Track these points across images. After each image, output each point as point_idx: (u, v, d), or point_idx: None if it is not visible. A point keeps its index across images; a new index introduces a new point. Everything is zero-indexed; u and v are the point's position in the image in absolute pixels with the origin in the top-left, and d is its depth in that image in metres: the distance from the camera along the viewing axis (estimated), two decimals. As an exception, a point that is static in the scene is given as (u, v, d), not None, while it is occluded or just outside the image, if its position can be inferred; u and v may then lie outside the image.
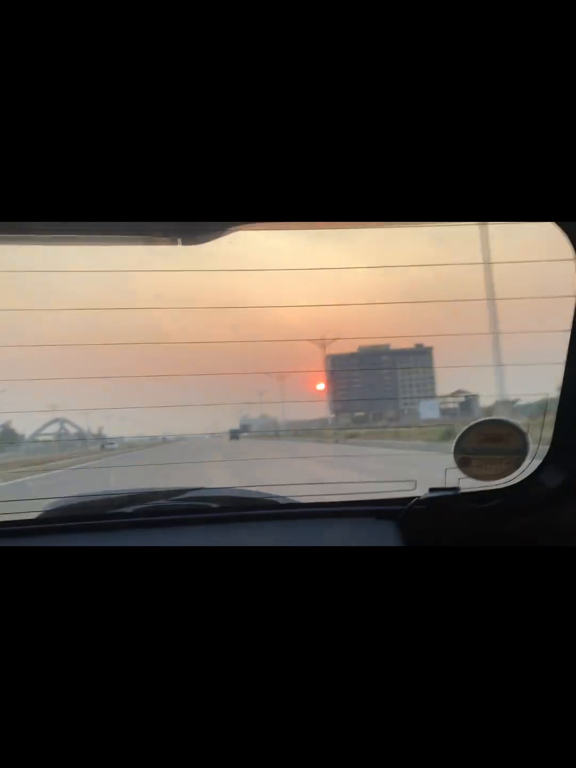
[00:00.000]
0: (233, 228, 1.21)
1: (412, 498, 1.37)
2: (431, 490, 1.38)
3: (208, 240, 1.25)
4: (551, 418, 1.33)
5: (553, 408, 1.32)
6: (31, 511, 1.42)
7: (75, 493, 1.56)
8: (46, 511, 1.43)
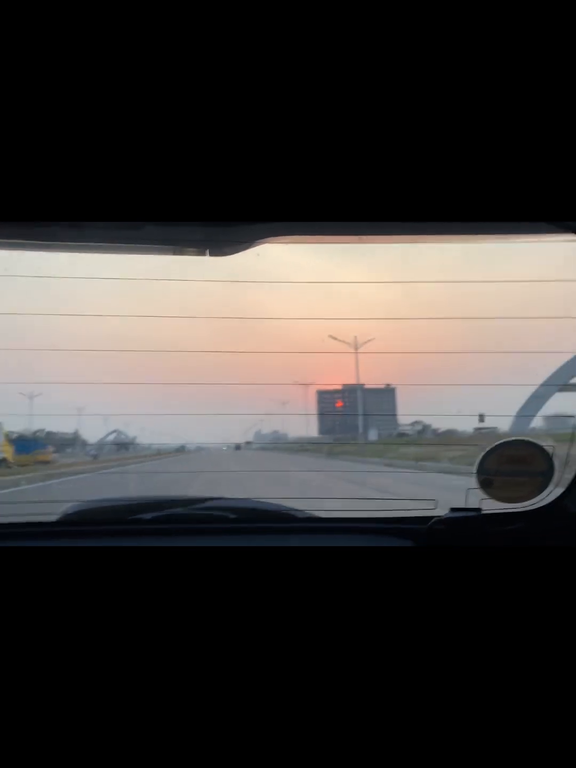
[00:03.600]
0: (260, 241, 1.23)
1: (432, 517, 1.34)
2: (452, 510, 1.35)
3: (235, 252, 1.27)
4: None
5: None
6: (50, 513, 1.44)
7: (94, 497, 1.58)
8: (66, 515, 1.44)
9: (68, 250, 1.28)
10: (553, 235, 1.14)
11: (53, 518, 1.42)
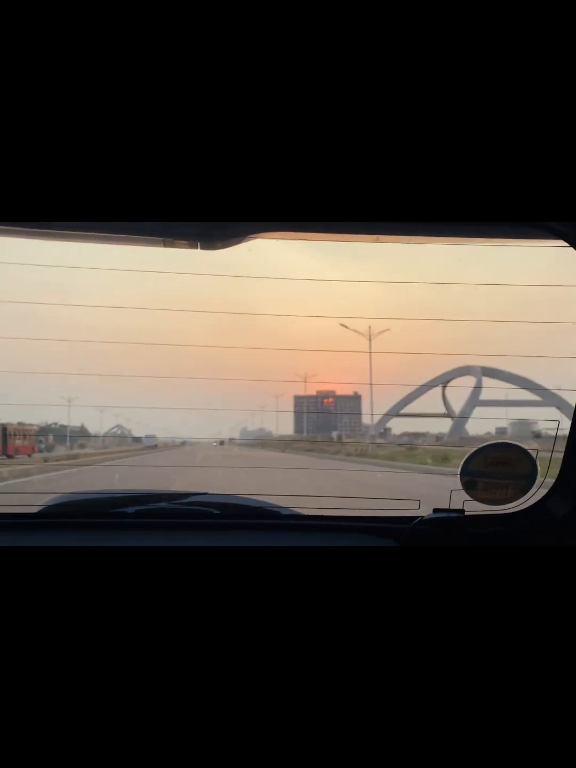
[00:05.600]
0: (251, 235, 1.22)
1: (416, 517, 1.35)
2: (435, 510, 1.36)
3: (226, 246, 1.26)
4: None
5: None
6: (32, 504, 1.43)
7: (78, 490, 1.57)
8: (48, 506, 1.43)
9: (58, 239, 1.27)
10: (545, 240, 1.15)
11: (35, 510, 1.41)
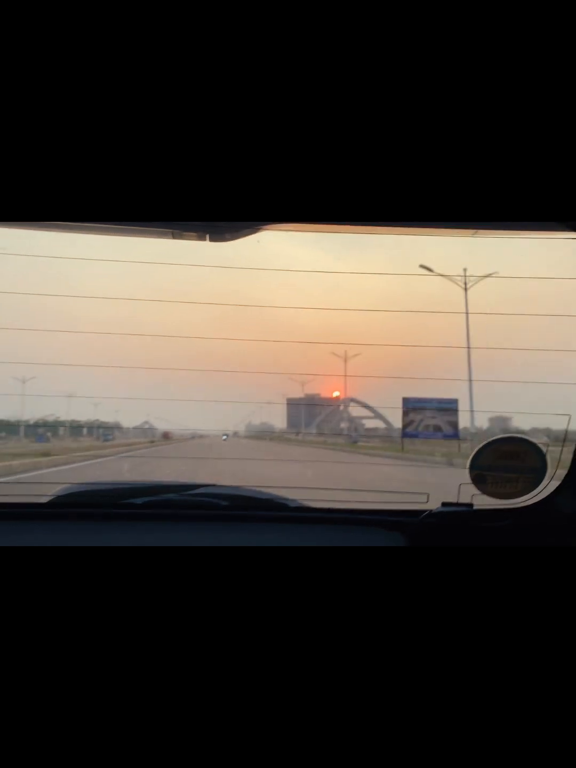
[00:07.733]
0: (260, 226, 1.21)
1: (424, 511, 1.35)
2: (444, 504, 1.35)
3: (235, 238, 1.26)
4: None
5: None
6: (42, 494, 1.44)
7: (87, 481, 1.57)
8: (57, 496, 1.44)
9: (65, 230, 1.26)
10: (559, 232, 1.14)
11: (44, 500, 1.41)
